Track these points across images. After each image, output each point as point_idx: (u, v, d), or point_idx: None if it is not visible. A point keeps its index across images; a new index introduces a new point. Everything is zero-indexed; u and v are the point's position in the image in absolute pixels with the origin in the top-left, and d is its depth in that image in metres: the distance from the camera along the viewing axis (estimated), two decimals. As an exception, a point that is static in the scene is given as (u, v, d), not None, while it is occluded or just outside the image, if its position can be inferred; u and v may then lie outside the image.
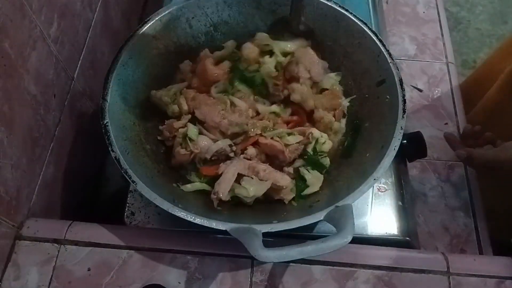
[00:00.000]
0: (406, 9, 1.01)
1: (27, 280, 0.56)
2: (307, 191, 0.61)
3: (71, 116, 0.70)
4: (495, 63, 0.96)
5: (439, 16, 1.00)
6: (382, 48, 0.65)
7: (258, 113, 0.66)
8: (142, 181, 0.53)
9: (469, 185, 0.79)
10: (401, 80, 0.62)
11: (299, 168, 0.62)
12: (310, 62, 0.66)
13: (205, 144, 0.62)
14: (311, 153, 0.62)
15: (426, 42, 0.95)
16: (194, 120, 0.65)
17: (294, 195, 0.61)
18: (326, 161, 0.63)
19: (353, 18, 0.68)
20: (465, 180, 0.79)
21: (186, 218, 0.51)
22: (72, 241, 0.59)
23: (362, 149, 0.62)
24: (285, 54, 0.69)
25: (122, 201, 0.65)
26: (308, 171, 0.62)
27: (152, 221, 0.63)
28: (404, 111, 0.59)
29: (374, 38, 0.66)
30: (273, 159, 0.63)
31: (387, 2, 1.00)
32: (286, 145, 0.62)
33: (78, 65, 0.71)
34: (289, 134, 0.63)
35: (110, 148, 0.55)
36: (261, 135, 0.63)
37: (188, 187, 0.60)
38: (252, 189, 0.58)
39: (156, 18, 0.67)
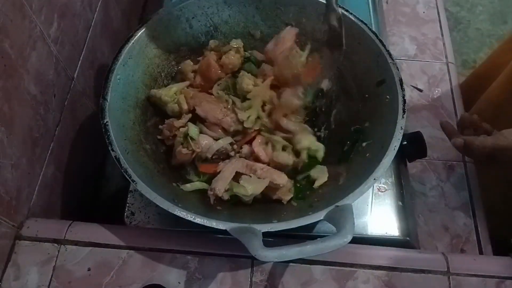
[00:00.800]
0: (406, 9, 1.01)
1: (27, 280, 0.56)
2: (317, 184, 0.61)
3: (71, 116, 0.70)
4: (495, 61, 0.96)
5: (439, 16, 1.00)
6: (382, 48, 0.65)
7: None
8: (142, 180, 0.53)
9: (469, 185, 0.79)
10: (401, 80, 0.62)
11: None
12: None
13: (206, 143, 0.62)
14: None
15: (426, 42, 0.95)
16: (195, 120, 0.65)
17: (292, 195, 0.61)
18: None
19: (353, 19, 0.68)
20: (465, 180, 0.79)
21: (186, 218, 0.51)
22: (72, 241, 0.59)
23: (362, 149, 0.62)
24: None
25: (122, 201, 0.65)
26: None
27: (152, 221, 0.63)
28: (404, 111, 0.59)
29: (374, 38, 0.66)
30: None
31: (387, 2, 1.00)
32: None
33: (78, 65, 0.71)
34: (284, 148, 0.64)
35: (110, 148, 0.55)
36: (259, 132, 0.63)
37: (188, 186, 0.61)
38: (251, 188, 0.58)
39: (157, 18, 0.67)
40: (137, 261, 0.58)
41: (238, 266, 0.58)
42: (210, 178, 0.61)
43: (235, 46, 0.71)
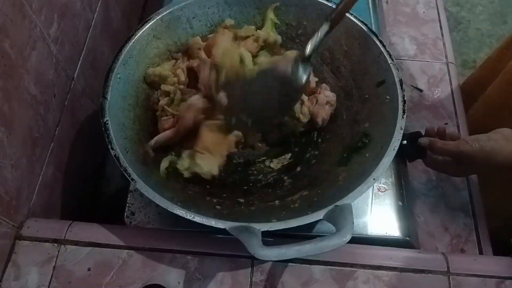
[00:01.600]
0: (406, 9, 1.01)
1: (27, 280, 0.56)
2: None
3: (71, 116, 0.70)
4: (496, 62, 0.96)
5: (439, 16, 1.00)
6: (382, 48, 0.65)
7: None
8: (141, 179, 0.53)
9: (469, 185, 0.78)
10: (401, 81, 0.62)
11: None
12: None
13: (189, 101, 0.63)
14: None
15: (426, 42, 0.95)
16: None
17: None
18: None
19: (353, 19, 0.68)
20: (465, 180, 0.79)
21: (186, 216, 0.51)
22: (72, 241, 0.59)
23: (362, 150, 0.62)
24: None
25: (122, 201, 0.65)
26: None
27: (152, 221, 0.63)
28: (404, 112, 0.59)
29: (374, 38, 0.66)
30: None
31: (387, 2, 1.00)
32: None
33: (78, 65, 0.71)
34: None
35: (109, 146, 0.55)
36: None
37: (186, 172, 0.61)
38: (206, 165, 0.60)
39: (157, 18, 0.67)
40: (137, 261, 0.58)
41: (238, 266, 0.58)
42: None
43: (253, 35, 0.71)
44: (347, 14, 0.68)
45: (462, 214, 0.75)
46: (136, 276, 0.57)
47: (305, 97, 0.67)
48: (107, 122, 0.57)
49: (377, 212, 0.65)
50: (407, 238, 0.64)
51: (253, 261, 0.58)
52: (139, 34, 0.65)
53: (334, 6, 0.69)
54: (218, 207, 0.58)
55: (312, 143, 0.69)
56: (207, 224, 0.50)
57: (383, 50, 0.65)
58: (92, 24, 0.76)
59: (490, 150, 0.60)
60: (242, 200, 0.61)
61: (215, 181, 0.65)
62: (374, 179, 0.54)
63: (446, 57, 0.94)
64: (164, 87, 0.66)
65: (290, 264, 0.58)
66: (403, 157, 0.73)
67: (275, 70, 0.62)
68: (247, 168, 0.68)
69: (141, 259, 0.58)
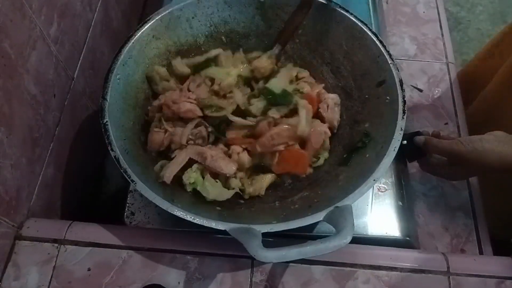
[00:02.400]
0: (406, 9, 1.01)
1: (27, 280, 0.56)
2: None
3: (71, 116, 0.70)
4: (488, 55, 0.96)
5: (439, 16, 1.00)
6: (382, 49, 0.65)
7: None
8: (141, 180, 0.53)
9: (469, 185, 0.78)
10: (401, 81, 0.62)
11: None
12: None
13: (179, 128, 0.62)
14: None
15: (426, 42, 0.95)
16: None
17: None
18: None
19: (353, 19, 0.68)
20: (465, 180, 0.79)
21: (186, 218, 0.51)
22: (72, 241, 0.59)
23: (362, 150, 0.62)
24: None
25: (122, 201, 0.65)
26: None
27: (152, 221, 0.63)
28: (404, 112, 0.59)
29: (374, 39, 0.66)
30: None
31: (387, 2, 1.00)
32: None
33: (78, 65, 0.71)
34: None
35: (109, 148, 0.55)
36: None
37: (188, 186, 0.60)
38: (213, 193, 0.59)
39: (156, 18, 0.67)
40: (137, 261, 0.58)
41: (238, 266, 0.58)
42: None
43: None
44: (347, 14, 0.68)
45: (462, 214, 0.75)
46: (136, 276, 0.57)
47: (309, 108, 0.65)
48: (107, 123, 0.57)
49: (377, 212, 0.65)
50: (407, 238, 0.64)
51: (253, 261, 0.58)
52: (138, 34, 0.65)
53: (334, 6, 0.69)
54: (218, 208, 0.58)
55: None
56: (208, 225, 0.50)
57: (383, 50, 0.65)
58: (92, 24, 0.75)
59: (482, 150, 0.60)
60: (242, 201, 0.62)
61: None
62: (374, 179, 0.54)
63: (446, 57, 0.94)
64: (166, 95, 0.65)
65: (290, 264, 0.58)
66: (403, 157, 0.73)
67: None
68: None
69: (141, 259, 0.58)
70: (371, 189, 0.66)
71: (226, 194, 0.60)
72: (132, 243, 0.59)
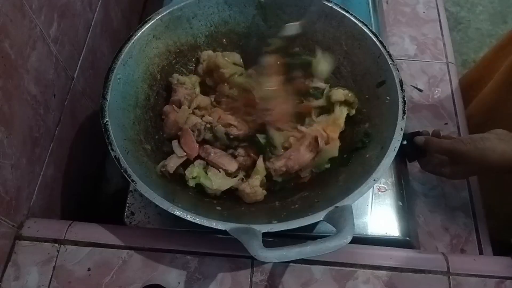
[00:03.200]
0: (406, 9, 1.01)
1: (27, 280, 0.56)
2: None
3: (71, 116, 0.70)
4: (492, 61, 0.96)
5: (439, 16, 1.00)
6: (382, 49, 0.65)
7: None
8: (141, 180, 0.53)
9: (469, 185, 0.78)
10: (401, 81, 0.62)
11: None
12: None
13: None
14: None
15: (426, 42, 0.95)
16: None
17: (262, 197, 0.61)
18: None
19: (353, 19, 0.68)
20: (465, 180, 0.79)
21: (186, 218, 0.51)
22: (72, 241, 0.59)
23: (362, 150, 0.62)
24: None
25: (122, 201, 0.65)
26: None
27: (152, 221, 0.63)
28: (404, 112, 0.59)
29: (374, 39, 0.66)
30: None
31: (387, 2, 1.00)
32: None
33: (78, 65, 0.71)
34: None
35: (110, 147, 0.55)
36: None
37: (191, 181, 0.60)
38: (217, 183, 0.59)
39: (157, 18, 0.67)
40: (137, 261, 0.58)
41: (238, 266, 0.58)
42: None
43: None
44: (347, 14, 0.68)
45: (462, 214, 0.75)
46: (136, 276, 0.57)
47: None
48: (107, 123, 0.56)
49: (377, 212, 0.65)
50: (407, 238, 0.64)
51: (253, 261, 0.58)
52: (139, 34, 0.65)
53: (334, 6, 0.69)
54: (218, 208, 0.58)
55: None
56: (208, 225, 0.50)
57: (383, 51, 0.65)
58: (92, 24, 0.75)
59: (483, 149, 0.60)
60: (242, 201, 0.61)
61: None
62: (374, 179, 0.54)
63: (446, 57, 0.94)
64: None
65: (290, 264, 0.58)
66: (403, 157, 0.73)
67: None
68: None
69: (141, 259, 0.58)
70: (371, 189, 0.66)
71: (229, 182, 0.60)
72: (132, 243, 0.59)
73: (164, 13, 0.67)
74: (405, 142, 0.69)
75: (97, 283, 0.56)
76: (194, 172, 0.60)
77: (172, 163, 0.60)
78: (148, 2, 1.04)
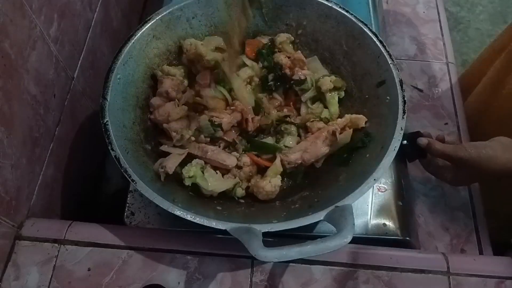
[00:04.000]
0: (406, 9, 1.01)
1: (27, 280, 0.56)
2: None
3: (71, 116, 0.70)
4: (490, 55, 0.97)
5: (439, 16, 1.00)
6: (382, 49, 0.65)
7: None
8: (142, 180, 0.53)
9: (469, 186, 0.79)
10: (401, 81, 0.62)
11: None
12: None
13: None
14: None
15: (426, 42, 0.95)
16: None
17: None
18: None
19: (353, 19, 0.68)
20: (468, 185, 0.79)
21: (186, 217, 0.51)
22: (72, 241, 0.59)
23: (362, 150, 0.62)
24: None
25: (122, 201, 0.65)
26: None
27: (152, 221, 0.63)
28: (404, 112, 0.59)
29: (375, 39, 0.66)
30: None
31: (387, 2, 1.00)
32: None
33: (78, 65, 0.71)
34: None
35: (110, 147, 0.55)
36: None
37: (187, 180, 0.60)
38: (213, 184, 0.59)
39: (157, 18, 0.67)
40: (137, 261, 0.58)
41: (238, 266, 0.58)
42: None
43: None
44: (347, 14, 0.68)
45: (462, 214, 0.75)
46: (136, 276, 0.57)
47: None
48: (107, 123, 0.56)
49: (377, 212, 0.65)
50: (407, 238, 0.64)
51: (253, 261, 0.58)
52: (139, 34, 0.65)
53: (334, 6, 0.69)
54: (218, 208, 0.58)
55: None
56: (208, 225, 0.50)
57: (383, 51, 0.65)
58: (92, 24, 0.75)
59: (486, 157, 0.60)
60: (242, 201, 0.62)
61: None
62: (374, 179, 0.54)
63: (446, 57, 0.94)
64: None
65: (290, 264, 0.58)
66: (403, 157, 0.73)
67: None
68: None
69: (141, 259, 0.58)
70: (371, 189, 0.66)
71: (225, 185, 0.60)
72: (132, 243, 0.59)
73: (164, 13, 0.67)
74: (405, 142, 0.69)
75: (97, 283, 0.56)
76: (191, 171, 0.60)
77: (171, 163, 0.59)
78: (148, 2, 1.04)
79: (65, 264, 0.57)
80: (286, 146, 0.64)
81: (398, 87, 0.61)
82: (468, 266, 0.59)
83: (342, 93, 0.69)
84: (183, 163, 0.61)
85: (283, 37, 0.72)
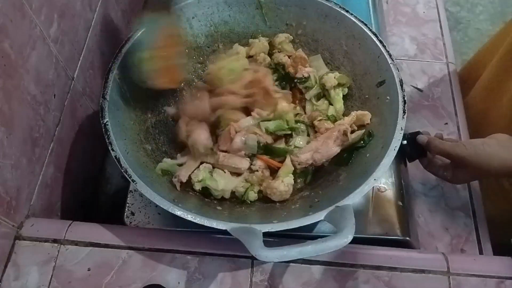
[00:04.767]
0: (406, 9, 1.01)
1: (27, 280, 0.56)
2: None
3: (71, 116, 0.70)
4: (490, 48, 0.96)
5: (439, 16, 1.00)
6: (382, 49, 0.65)
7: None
8: (142, 180, 0.53)
9: (469, 185, 0.79)
10: (401, 81, 0.62)
11: None
12: None
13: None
14: None
15: (426, 42, 0.95)
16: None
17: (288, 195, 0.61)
18: None
19: (353, 19, 0.68)
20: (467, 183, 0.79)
21: (187, 218, 0.51)
22: (72, 241, 0.59)
23: (362, 150, 0.62)
24: None
25: (122, 201, 0.65)
26: None
27: (152, 221, 0.63)
28: (404, 112, 0.59)
29: (375, 39, 0.66)
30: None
31: (387, 2, 1.00)
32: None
33: (78, 65, 0.71)
34: None
35: (110, 147, 0.55)
36: None
37: (160, 164, 0.62)
38: (222, 183, 0.60)
39: (157, 18, 0.67)
40: (137, 261, 0.58)
41: (238, 266, 0.58)
42: None
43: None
44: (347, 14, 0.68)
45: (462, 214, 0.75)
46: (136, 276, 0.57)
47: None
48: (107, 123, 0.57)
49: (377, 212, 0.65)
50: (407, 238, 0.64)
51: (253, 261, 0.58)
52: (139, 34, 0.65)
53: (333, 6, 0.69)
54: (218, 208, 0.58)
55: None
56: (209, 225, 0.50)
57: (383, 50, 0.65)
58: (92, 24, 0.75)
59: (484, 155, 0.60)
60: (242, 201, 0.61)
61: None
62: (374, 179, 0.54)
63: (446, 57, 0.94)
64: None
65: (290, 264, 0.58)
66: (403, 157, 0.73)
67: None
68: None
69: (141, 259, 0.58)
70: (371, 189, 0.66)
71: (235, 182, 0.61)
72: (132, 243, 0.59)
73: (164, 13, 0.67)
74: (405, 142, 0.69)
75: (97, 283, 0.56)
76: (200, 175, 0.60)
77: (184, 172, 0.60)
78: (148, 2, 1.04)
79: (65, 264, 0.57)
80: (296, 147, 0.64)
81: (398, 86, 0.62)
82: (468, 266, 0.59)
83: (346, 90, 0.69)
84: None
85: (281, 37, 0.72)
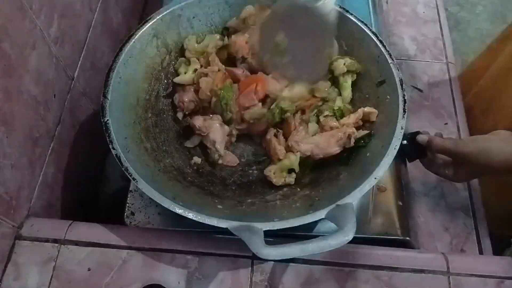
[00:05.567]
0: (406, 9, 1.01)
1: (27, 280, 0.56)
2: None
3: (71, 116, 0.70)
4: (492, 51, 0.97)
5: (439, 16, 1.00)
6: (382, 48, 0.65)
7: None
8: (143, 179, 0.53)
9: (469, 185, 0.79)
10: (401, 81, 0.62)
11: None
12: None
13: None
14: None
15: (426, 42, 0.96)
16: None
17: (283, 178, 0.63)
18: None
19: (353, 19, 0.68)
20: (468, 181, 0.79)
21: (187, 216, 0.51)
22: (72, 241, 0.59)
23: (363, 149, 0.62)
24: None
25: (122, 201, 0.65)
26: None
27: (152, 221, 0.63)
28: (404, 111, 0.59)
29: (375, 39, 0.66)
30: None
31: (387, 2, 1.01)
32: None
33: (78, 65, 0.71)
34: None
35: (111, 146, 0.55)
36: None
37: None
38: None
39: (157, 17, 0.67)
40: (137, 261, 0.58)
41: (238, 266, 0.58)
42: None
43: None
44: (347, 14, 0.68)
45: (462, 214, 0.75)
46: (136, 276, 0.57)
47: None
48: (108, 121, 0.57)
49: (377, 212, 0.65)
50: (407, 238, 0.64)
51: (253, 261, 0.58)
52: (139, 33, 0.65)
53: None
54: (219, 206, 0.58)
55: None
56: (209, 223, 0.50)
57: (383, 50, 0.65)
58: (92, 24, 0.75)
59: (486, 151, 0.60)
60: (243, 199, 0.61)
61: (216, 180, 0.65)
62: (375, 178, 0.54)
63: (446, 57, 0.94)
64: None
65: (290, 264, 0.58)
66: (403, 157, 0.73)
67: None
68: (248, 168, 0.68)
69: (141, 259, 0.58)
70: (371, 189, 0.66)
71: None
72: (132, 243, 0.59)
73: (165, 12, 0.68)
74: (405, 142, 0.69)
75: (97, 283, 0.56)
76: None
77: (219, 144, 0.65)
78: (148, 2, 1.04)
79: (65, 264, 0.57)
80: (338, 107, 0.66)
81: (398, 86, 0.62)
82: (468, 266, 0.59)
83: (355, 76, 0.68)
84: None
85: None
